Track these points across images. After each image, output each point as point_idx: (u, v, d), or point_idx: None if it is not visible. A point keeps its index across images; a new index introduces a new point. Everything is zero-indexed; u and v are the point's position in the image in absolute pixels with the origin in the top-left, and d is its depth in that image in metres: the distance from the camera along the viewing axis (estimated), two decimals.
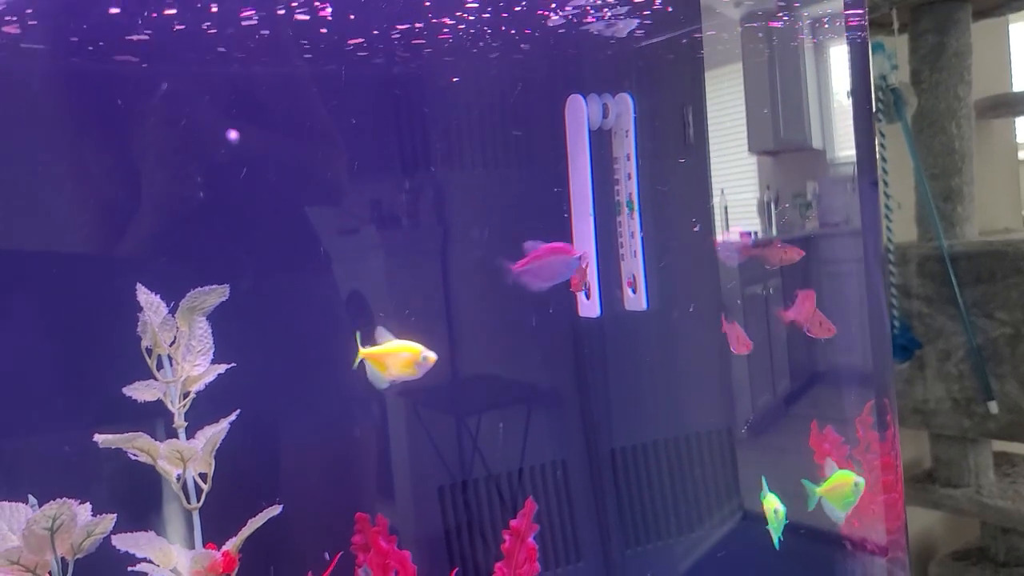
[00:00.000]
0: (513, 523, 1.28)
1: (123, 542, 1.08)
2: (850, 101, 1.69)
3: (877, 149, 2.47)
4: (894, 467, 1.56)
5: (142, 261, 1.24)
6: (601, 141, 1.43)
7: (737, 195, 1.77)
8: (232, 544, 1.11)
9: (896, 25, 2.43)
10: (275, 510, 1.14)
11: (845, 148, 1.81)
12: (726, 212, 1.75)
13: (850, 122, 1.74)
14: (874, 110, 2.45)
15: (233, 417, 1.13)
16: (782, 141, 1.82)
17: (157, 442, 1.08)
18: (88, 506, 1.06)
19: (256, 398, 1.34)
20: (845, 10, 1.65)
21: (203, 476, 1.13)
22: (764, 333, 1.77)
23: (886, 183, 2.46)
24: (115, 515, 1.03)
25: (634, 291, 1.43)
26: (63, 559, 1.01)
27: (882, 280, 1.78)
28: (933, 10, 2.39)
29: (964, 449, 2.53)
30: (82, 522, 1.01)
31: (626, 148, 1.40)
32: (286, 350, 1.38)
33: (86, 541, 1.02)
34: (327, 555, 1.26)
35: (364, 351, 1.17)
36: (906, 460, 2.84)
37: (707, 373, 1.72)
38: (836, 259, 1.84)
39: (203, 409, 1.15)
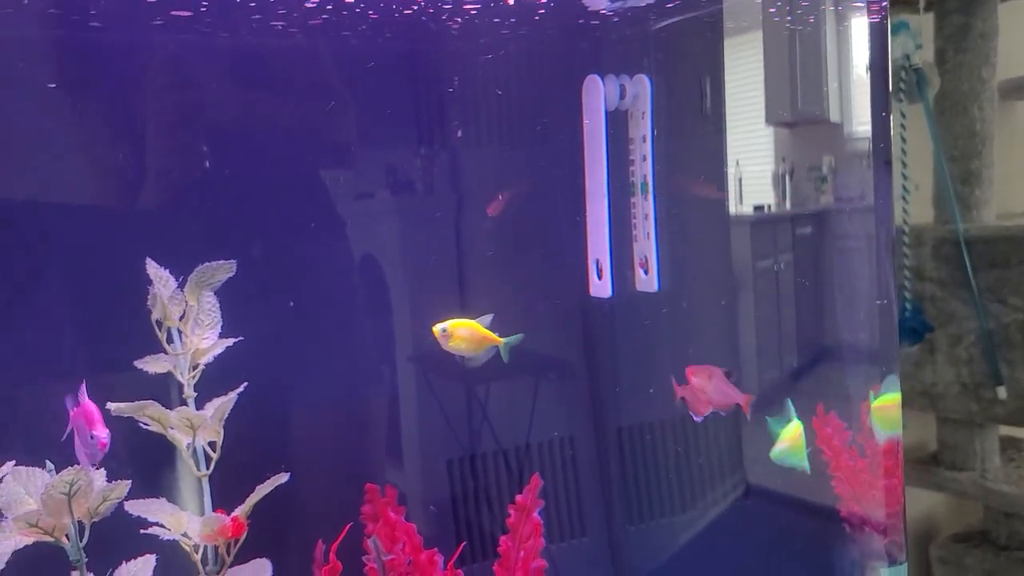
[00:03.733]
0: (519, 498, 1.30)
1: (136, 507, 1.10)
2: (868, 77, 1.67)
3: (897, 129, 2.45)
4: (895, 452, 1.56)
5: (149, 234, 1.25)
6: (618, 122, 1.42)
7: (753, 167, 1.76)
8: (241, 510, 1.13)
9: (922, 4, 2.39)
10: (282, 478, 1.16)
11: (863, 123, 1.78)
12: (740, 184, 1.74)
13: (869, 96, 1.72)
14: (896, 89, 2.42)
15: (241, 388, 1.14)
16: (800, 112, 1.80)
17: (168, 410, 1.10)
18: (103, 472, 1.09)
19: (268, 370, 1.36)
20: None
21: (212, 445, 1.15)
22: (774, 310, 1.78)
23: (905, 164, 2.44)
24: (130, 480, 1.06)
25: (646, 272, 1.43)
26: (80, 522, 1.04)
27: (892, 264, 1.77)
28: None
29: (971, 433, 2.53)
30: (98, 487, 1.04)
31: (642, 130, 1.39)
32: (298, 321, 1.39)
33: (102, 505, 1.05)
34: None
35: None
36: (912, 442, 2.85)
37: (716, 353, 1.72)
38: (848, 235, 1.83)
39: (214, 380, 1.17)
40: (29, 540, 1.02)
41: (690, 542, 1.68)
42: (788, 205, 1.82)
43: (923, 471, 2.61)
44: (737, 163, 1.72)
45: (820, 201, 1.82)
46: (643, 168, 1.40)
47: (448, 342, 1.23)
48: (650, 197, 1.40)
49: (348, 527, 1.19)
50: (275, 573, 1.20)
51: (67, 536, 1.04)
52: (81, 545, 1.04)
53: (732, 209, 1.72)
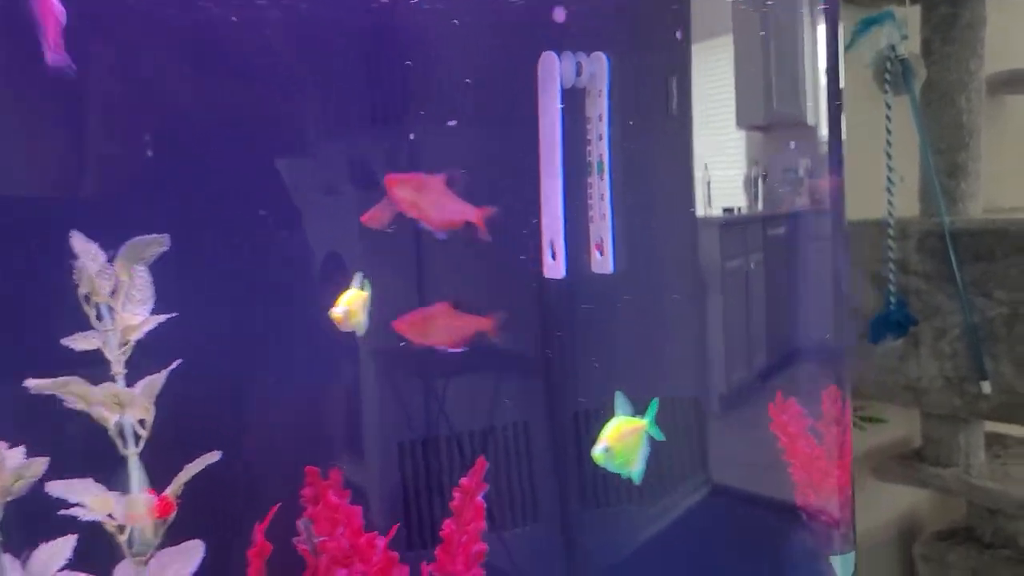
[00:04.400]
0: (463, 481, 1.27)
1: (57, 488, 1.07)
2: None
3: (883, 120, 2.41)
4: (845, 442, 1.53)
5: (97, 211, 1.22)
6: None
7: (722, 171, 1.75)
8: (170, 489, 1.11)
9: None
10: (214, 456, 1.13)
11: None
12: (709, 187, 1.71)
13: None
14: (881, 80, 2.38)
15: (175, 365, 1.11)
16: (775, 115, 1.78)
17: (93, 386, 1.07)
18: (22, 449, 1.06)
19: (213, 349, 1.33)
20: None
21: (143, 423, 1.12)
22: (741, 305, 1.75)
23: (890, 156, 2.41)
24: (47, 458, 1.03)
25: (601, 254, 1.40)
26: None
27: (846, 259, 1.76)
28: None
29: (955, 428, 2.50)
30: (12, 465, 1.01)
31: (599, 108, 1.36)
32: (246, 300, 1.36)
33: (16, 484, 1.02)
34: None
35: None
36: (895, 438, 2.81)
37: (675, 339, 1.69)
38: (825, 236, 1.80)
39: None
40: None
41: (643, 528, 1.64)
42: (760, 207, 1.80)
43: (907, 467, 2.57)
44: (706, 167, 1.69)
45: (796, 203, 1.79)
46: (599, 147, 1.36)
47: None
48: (606, 177, 1.36)
49: (276, 508, 1.16)
50: (213, 555, 1.17)
51: None
52: None
53: (701, 211, 1.69)
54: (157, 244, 1.14)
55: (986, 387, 2.33)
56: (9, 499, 1.02)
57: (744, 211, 1.79)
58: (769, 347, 1.78)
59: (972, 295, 2.33)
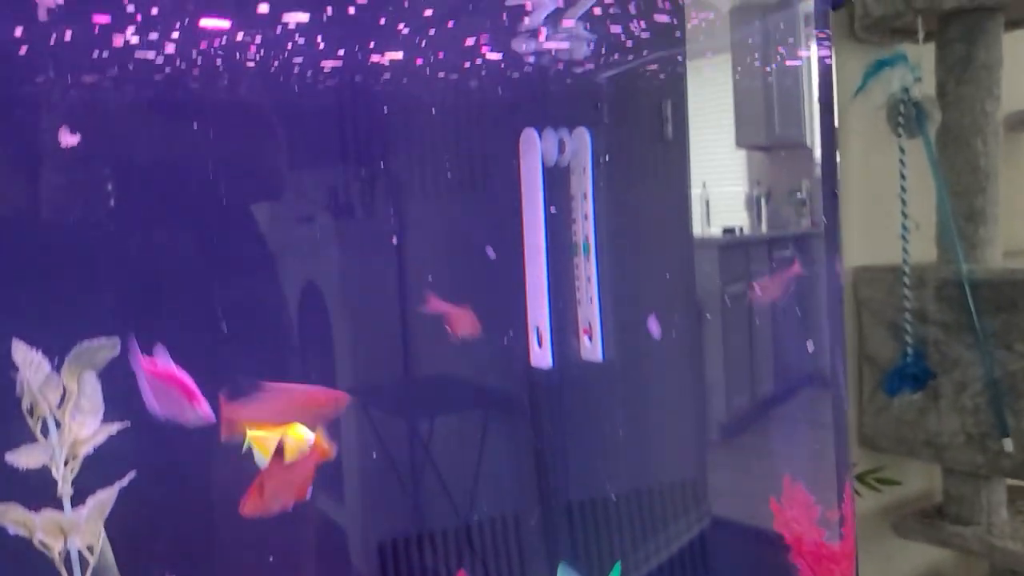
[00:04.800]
0: None
1: None
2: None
3: (896, 165, 2.32)
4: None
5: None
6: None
7: (721, 189, 1.69)
8: None
9: (921, 34, 2.26)
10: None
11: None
12: (708, 206, 1.64)
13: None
14: (895, 124, 2.29)
15: (126, 482, 1.04)
16: (776, 137, 1.70)
17: (33, 513, 0.99)
18: None
19: (167, 452, 1.25)
20: (813, 27, 1.52)
21: (91, 548, 1.04)
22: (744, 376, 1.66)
23: (904, 201, 2.32)
24: None
25: (590, 339, 1.31)
26: None
27: (841, 299, 1.68)
28: (962, 19, 2.22)
29: (977, 486, 2.39)
30: None
31: (583, 186, 1.28)
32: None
33: None
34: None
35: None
36: (916, 493, 2.70)
37: (670, 423, 1.60)
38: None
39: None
40: None
41: None
42: (764, 228, 1.74)
43: (927, 525, 2.46)
44: (704, 185, 1.62)
45: (801, 225, 1.74)
46: (585, 227, 1.28)
47: None
48: (592, 258, 1.28)
49: None
50: None
51: None
52: None
53: (698, 231, 1.63)
54: (108, 349, 1.06)
55: (1008, 445, 2.22)
56: None
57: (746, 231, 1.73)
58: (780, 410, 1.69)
59: (993, 347, 2.23)
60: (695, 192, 1.62)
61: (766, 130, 1.71)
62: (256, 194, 1.31)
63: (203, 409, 1.01)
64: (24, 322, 1.07)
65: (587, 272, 1.30)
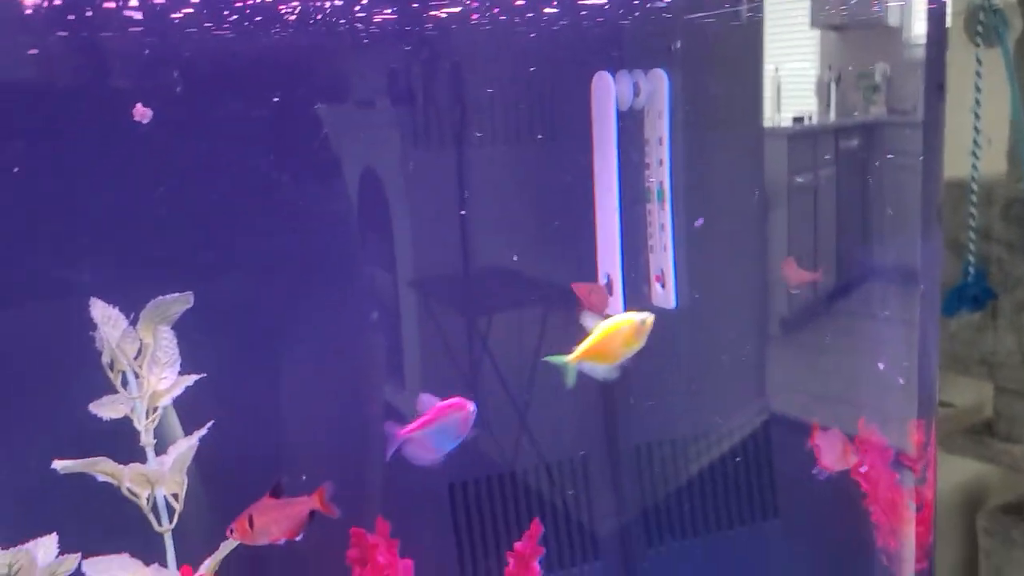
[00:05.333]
0: (518, 546, 1.20)
1: (94, 568, 1.03)
2: None
3: (971, 76, 2.21)
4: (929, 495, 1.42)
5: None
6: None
7: (792, 72, 1.59)
8: (205, 568, 1.06)
9: None
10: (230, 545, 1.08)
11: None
12: (779, 91, 1.57)
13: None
14: (973, 32, 2.17)
15: (204, 431, 1.05)
16: (851, 14, 1.60)
17: (121, 466, 1.01)
18: (54, 539, 1.00)
19: (254, 394, 1.27)
20: None
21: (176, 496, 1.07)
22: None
23: (977, 115, 2.21)
24: (79, 553, 0.98)
25: (663, 286, 1.29)
26: None
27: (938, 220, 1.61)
28: None
29: None
30: (44, 563, 0.96)
31: (658, 131, 1.23)
32: (283, 342, 1.28)
33: None
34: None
35: (576, 354, 1.05)
36: (966, 408, 2.69)
37: (740, 371, 1.57)
38: (900, 151, 1.64)
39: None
40: None
41: (713, 566, 1.57)
42: (832, 115, 1.64)
43: (976, 442, 2.46)
44: (776, 69, 1.54)
45: (870, 112, 1.64)
46: (659, 173, 1.24)
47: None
48: (667, 205, 1.24)
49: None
50: None
51: None
52: None
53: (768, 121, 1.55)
54: (182, 303, 1.06)
55: None
56: None
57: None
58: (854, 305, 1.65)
59: None
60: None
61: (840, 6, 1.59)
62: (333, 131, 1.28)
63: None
64: (101, 280, 1.07)
65: (660, 219, 1.26)
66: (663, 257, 1.27)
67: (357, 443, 1.37)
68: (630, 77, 1.21)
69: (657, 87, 1.22)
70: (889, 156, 1.64)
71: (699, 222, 1.34)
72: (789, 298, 1.66)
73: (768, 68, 1.53)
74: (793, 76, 1.61)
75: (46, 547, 0.99)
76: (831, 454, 1.31)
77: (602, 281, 1.27)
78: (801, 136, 1.65)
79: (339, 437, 1.34)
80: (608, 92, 1.19)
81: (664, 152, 1.23)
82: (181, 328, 1.07)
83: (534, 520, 1.19)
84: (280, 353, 1.28)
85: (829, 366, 1.68)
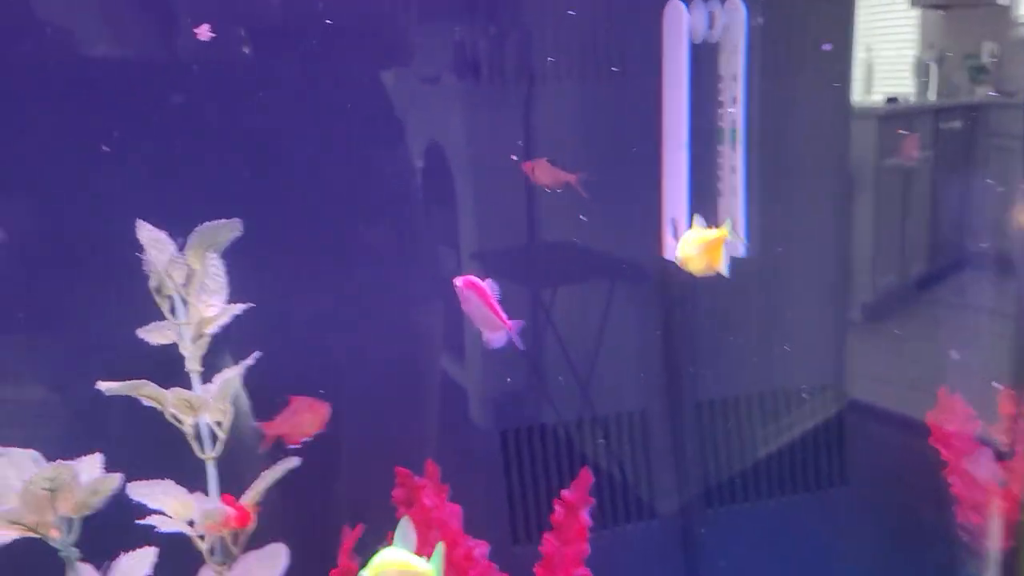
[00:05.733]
0: (566, 494, 1.14)
1: (137, 491, 1.01)
2: None
3: None
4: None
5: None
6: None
7: (887, 52, 1.53)
8: (247, 498, 1.03)
9: None
10: (292, 462, 1.04)
11: None
12: (870, 72, 1.50)
13: None
14: None
15: (251, 361, 1.02)
16: None
17: (164, 390, 0.99)
18: (98, 458, 0.98)
19: (312, 333, 1.25)
20: None
21: (220, 424, 1.04)
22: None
23: None
24: (121, 474, 0.96)
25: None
26: (67, 518, 0.95)
27: None
28: None
29: None
30: (86, 480, 0.94)
31: (733, 67, 1.16)
32: (342, 278, 1.25)
33: (92, 499, 0.95)
34: None
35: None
36: None
37: (811, 325, 1.49)
38: (1007, 133, 1.54)
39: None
40: (16, 535, 0.93)
41: (776, 530, 1.49)
42: (932, 95, 1.58)
43: None
44: (868, 49, 1.48)
45: (975, 93, 1.56)
46: (733, 112, 1.17)
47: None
48: (739, 147, 1.17)
49: (359, 529, 1.07)
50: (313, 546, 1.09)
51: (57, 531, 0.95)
52: (71, 541, 0.95)
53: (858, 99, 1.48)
54: (230, 229, 1.03)
55: None
56: (86, 513, 0.95)
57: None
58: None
59: None
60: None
61: None
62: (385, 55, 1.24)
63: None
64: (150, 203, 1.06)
65: (732, 161, 1.19)
66: (733, 202, 1.20)
67: (413, 389, 1.34)
68: (705, 7, 1.14)
69: (734, 19, 1.15)
70: (994, 138, 1.55)
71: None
72: (873, 264, 1.58)
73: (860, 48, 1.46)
74: (888, 56, 1.54)
75: (90, 466, 0.96)
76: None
77: (667, 227, 1.20)
78: (895, 117, 1.58)
79: (396, 383, 1.31)
80: (681, 23, 1.12)
81: (739, 90, 1.16)
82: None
83: (583, 468, 1.12)
84: (341, 295, 1.25)
85: (915, 333, 1.59)
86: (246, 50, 1.15)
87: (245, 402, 1.23)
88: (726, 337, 1.44)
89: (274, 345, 1.06)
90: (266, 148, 1.18)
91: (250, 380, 1.05)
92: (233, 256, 1.03)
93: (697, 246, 1.03)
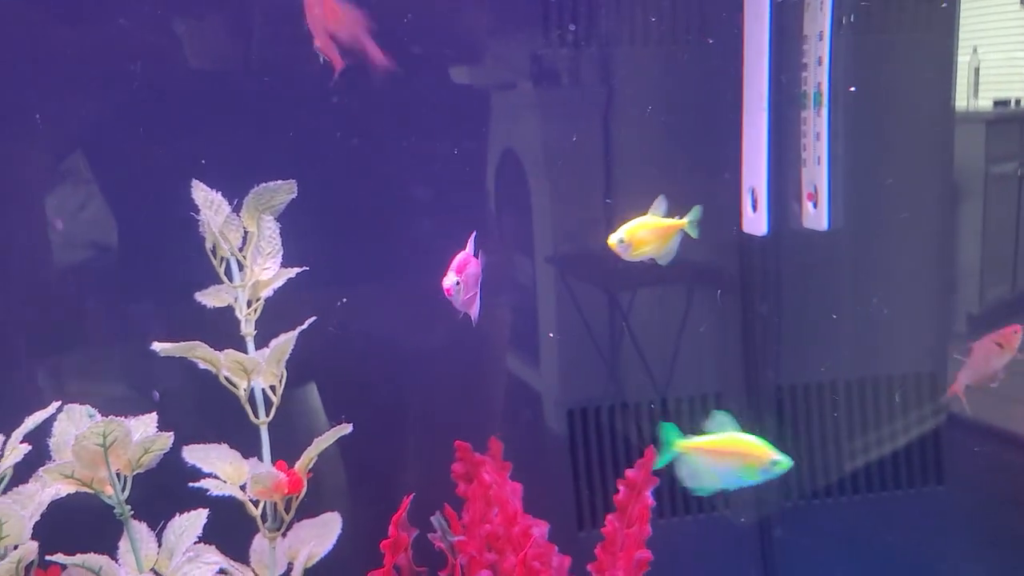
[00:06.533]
0: (629, 473, 1.09)
1: (192, 455, 1.01)
2: None
3: None
4: None
5: None
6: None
7: (994, 55, 1.45)
8: (299, 465, 1.01)
9: None
10: (345, 429, 1.02)
11: None
12: (977, 74, 1.42)
13: None
14: None
15: (305, 326, 1.00)
16: None
17: (217, 352, 0.98)
18: (152, 418, 0.99)
19: (377, 309, 1.24)
20: None
21: (274, 389, 1.03)
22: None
23: None
24: (172, 433, 0.96)
25: (815, 206, 1.14)
26: (120, 474, 0.95)
27: None
28: None
29: None
30: (138, 438, 0.94)
31: (819, 24, 1.08)
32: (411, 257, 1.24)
33: (144, 457, 0.95)
34: None
35: None
36: None
37: (904, 307, 1.38)
38: None
39: None
40: (70, 490, 0.94)
41: (863, 527, 1.40)
42: None
43: None
44: (975, 50, 1.40)
45: None
46: (817, 74, 1.09)
47: (631, 251, 1.01)
48: (824, 111, 1.09)
49: (409, 498, 1.04)
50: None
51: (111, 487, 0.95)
52: (123, 497, 0.96)
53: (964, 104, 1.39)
54: (286, 191, 1.02)
55: None
56: (138, 472, 0.96)
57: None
58: None
59: None
60: (962, 59, 1.37)
61: None
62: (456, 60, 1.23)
63: None
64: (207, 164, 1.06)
65: (816, 127, 1.11)
66: (817, 172, 1.12)
67: (480, 369, 1.31)
68: None
69: None
70: None
71: None
72: (982, 275, 1.47)
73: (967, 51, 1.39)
74: (996, 60, 1.46)
75: (144, 424, 0.97)
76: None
77: (746, 196, 1.13)
78: (1004, 121, 1.49)
79: (463, 362, 1.29)
80: None
81: (824, 50, 1.08)
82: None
83: (648, 448, 1.07)
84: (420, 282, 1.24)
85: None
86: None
87: (317, 399, 1.24)
88: (814, 322, 1.35)
89: (357, 327, 1.13)
90: (357, 151, 1.20)
91: (332, 360, 1.06)
92: (335, 251, 1.11)
93: (649, 231, 0.98)
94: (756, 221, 1.12)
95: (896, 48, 1.28)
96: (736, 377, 1.35)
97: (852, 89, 1.17)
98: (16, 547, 0.91)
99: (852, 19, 1.14)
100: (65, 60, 1.10)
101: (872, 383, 1.36)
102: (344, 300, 1.20)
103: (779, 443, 1.37)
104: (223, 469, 1.02)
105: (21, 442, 0.96)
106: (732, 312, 1.34)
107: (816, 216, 1.13)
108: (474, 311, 1.02)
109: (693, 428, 1.35)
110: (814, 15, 1.10)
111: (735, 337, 1.35)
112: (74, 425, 0.99)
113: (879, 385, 1.37)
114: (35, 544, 0.93)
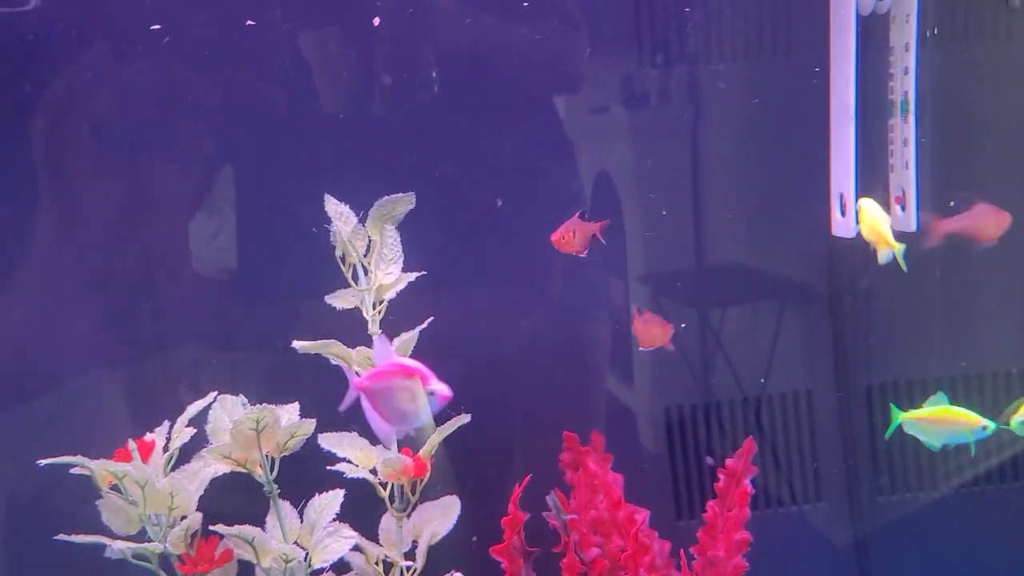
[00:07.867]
0: (729, 463, 1.16)
1: (327, 441, 1.13)
2: None
3: None
4: None
5: None
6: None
7: None
8: (423, 450, 1.12)
9: None
10: (464, 419, 1.13)
11: None
12: None
13: None
14: None
15: (425, 325, 1.11)
16: None
17: (349, 349, 1.10)
18: (296, 407, 1.12)
19: (486, 306, 1.35)
20: None
21: None
22: None
23: None
24: (315, 419, 1.08)
25: (903, 209, 1.19)
26: (269, 456, 1.08)
27: None
28: None
29: None
30: (285, 424, 1.07)
31: (905, 36, 1.13)
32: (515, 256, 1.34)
33: (290, 441, 1.08)
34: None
35: None
36: None
37: (994, 305, 1.41)
38: None
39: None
40: (225, 469, 1.08)
41: (954, 523, 1.43)
42: None
43: None
44: None
45: None
46: (904, 83, 1.14)
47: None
48: (911, 119, 1.14)
49: (527, 479, 1.13)
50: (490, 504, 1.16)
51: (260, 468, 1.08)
52: (272, 477, 1.08)
53: None
54: (405, 202, 1.13)
55: None
56: (284, 454, 1.08)
57: None
58: None
59: None
60: None
61: None
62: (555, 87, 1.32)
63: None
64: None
65: (904, 134, 1.16)
66: (904, 176, 1.17)
67: (581, 366, 1.40)
68: None
69: None
70: None
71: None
72: None
73: None
74: None
75: (289, 411, 1.09)
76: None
77: (834, 201, 1.19)
78: None
79: (564, 360, 1.37)
80: None
81: (911, 60, 1.14)
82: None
83: (747, 438, 1.14)
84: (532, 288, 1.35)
85: None
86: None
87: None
88: (902, 320, 1.40)
89: (472, 329, 1.24)
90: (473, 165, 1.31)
91: (450, 356, 1.16)
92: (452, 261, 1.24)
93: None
94: (845, 225, 1.18)
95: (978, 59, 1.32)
96: (826, 374, 1.41)
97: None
98: (183, 517, 1.05)
99: (935, 31, 1.19)
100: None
101: (963, 381, 1.40)
102: (453, 305, 1.30)
103: (870, 438, 1.42)
104: (354, 454, 1.14)
105: (186, 427, 1.10)
106: (822, 312, 1.39)
107: (904, 219, 1.19)
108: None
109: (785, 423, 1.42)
110: (900, 27, 1.15)
111: (825, 336, 1.40)
112: (227, 413, 1.12)
113: (970, 383, 1.40)
114: (200, 515, 1.06)
